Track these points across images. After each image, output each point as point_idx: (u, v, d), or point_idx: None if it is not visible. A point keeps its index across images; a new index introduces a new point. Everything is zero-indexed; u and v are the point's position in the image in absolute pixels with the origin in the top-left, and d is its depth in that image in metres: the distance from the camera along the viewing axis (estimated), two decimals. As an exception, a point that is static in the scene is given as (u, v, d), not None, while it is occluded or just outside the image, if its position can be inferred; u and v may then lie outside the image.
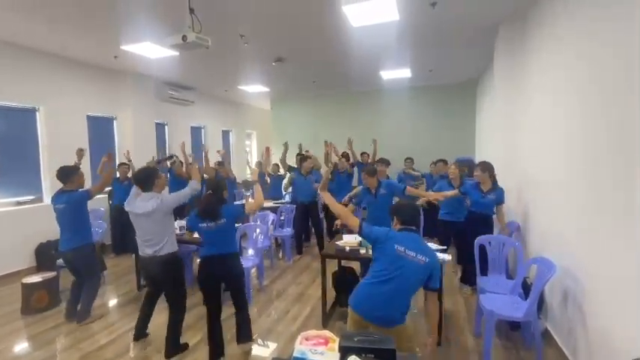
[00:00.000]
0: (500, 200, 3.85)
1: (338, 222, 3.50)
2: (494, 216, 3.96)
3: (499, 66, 4.57)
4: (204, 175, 5.96)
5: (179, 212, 4.89)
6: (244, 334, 2.96)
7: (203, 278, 2.78)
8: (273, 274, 4.87)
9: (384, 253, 2.11)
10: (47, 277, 3.87)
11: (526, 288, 3.09)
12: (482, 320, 2.92)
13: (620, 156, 2.03)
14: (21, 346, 3.16)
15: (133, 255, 4.27)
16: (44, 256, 5.02)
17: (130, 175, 5.58)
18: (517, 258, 3.45)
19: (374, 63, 6.28)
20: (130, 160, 5.70)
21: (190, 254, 4.53)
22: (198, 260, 2.85)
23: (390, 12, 3.74)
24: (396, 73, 6.98)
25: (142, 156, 5.81)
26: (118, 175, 5.82)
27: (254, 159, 11.14)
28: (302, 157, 5.78)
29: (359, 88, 8.78)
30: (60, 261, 3.97)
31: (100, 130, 6.27)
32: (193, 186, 2.96)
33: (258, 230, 4.49)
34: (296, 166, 6.23)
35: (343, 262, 3.82)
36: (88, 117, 6.01)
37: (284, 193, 7.31)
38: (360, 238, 3.21)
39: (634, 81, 1.87)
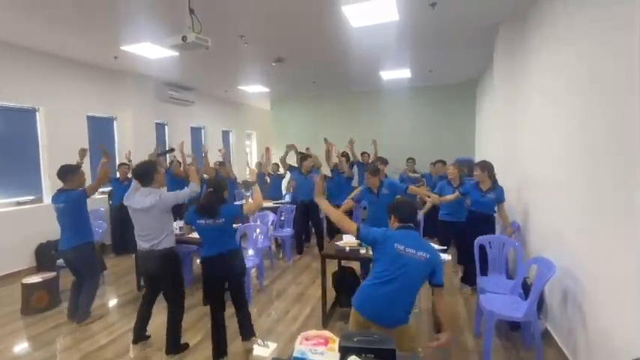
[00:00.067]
0: (500, 199, 3.85)
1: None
2: (495, 215, 3.96)
3: (499, 66, 4.57)
4: (204, 175, 5.97)
5: (178, 212, 4.91)
6: (248, 331, 2.97)
7: (206, 278, 2.80)
8: (273, 274, 4.87)
9: (384, 253, 2.11)
10: (47, 277, 3.87)
11: (526, 288, 3.09)
12: (482, 320, 2.92)
13: (620, 156, 2.03)
14: (21, 347, 3.16)
15: (133, 255, 4.27)
16: (44, 256, 5.03)
17: (130, 175, 5.58)
18: (517, 258, 3.45)
19: (374, 63, 6.28)
20: (130, 161, 5.70)
21: (190, 254, 4.53)
22: (199, 261, 2.85)
23: (390, 12, 3.74)
24: (396, 74, 6.98)
25: (142, 156, 5.77)
26: (118, 175, 5.83)
27: (254, 159, 11.14)
28: (302, 157, 5.78)
29: (359, 88, 8.78)
30: (60, 261, 3.97)
31: (100, 130, 6.27)
32: (193, 188, 2.95)
33: (258, 230, 4.49)
34: (296, 165, 6.23)
35: (343, 262, 3.82)
36: (88, 117, 6.01)
37: (284, 193, 7.32)
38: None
39: (634, 81, 1.87)
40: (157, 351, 2.99)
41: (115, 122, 6.57)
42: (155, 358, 2.93)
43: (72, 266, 3.56)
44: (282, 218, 5.77)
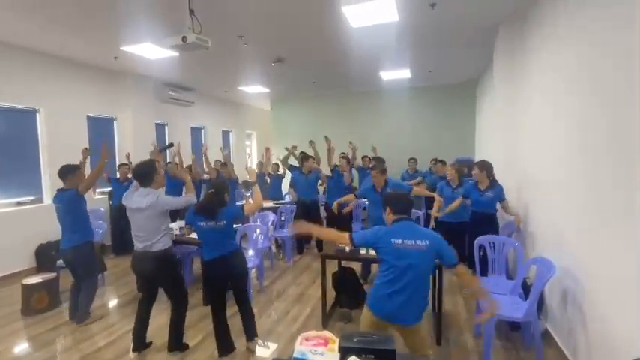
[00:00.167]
0: (499, 197, 3.86)
1: (345, 210, 3.50)
2: (497, 214, 3.96)
3: (499, 66, 4.57)
4: (205, 176, 5.97)
5: (179, 212, 4.90)
6: (251, 331, 2.97)
7: (207, 280, 2.80)
8: (273, 274, 4.87)
9: (385, 251, 2.10)
10: (47, 277, 3.87)
11: (526, 288, 3.09)
12: (483, 320, 2.92)
13: (620, 156, 2.03)
14: (21, 347, 3.16)
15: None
16: (44, 256, 5.03)
17: (130, 175, 5.58)
18: (517, 258, 3.45)
19: (374, 63, 6.28)
20: (130, 162, 5.70)
21: (190, 255, 4.53)
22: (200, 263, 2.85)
23: (390, 13, 3.74)
24: (396, 74, 6.98)
25: (142, 157, 5.77)
26: (118, 175, 5.83)
27: (254, 159, 11.14)
28: (304, 157, 5.78)
29: (359, 88, 8.78)
30: (60, 262, 3.97)
31: (100, 130, 6.27)
32: (189, 199, 2.97)
33: (258, 231, 4.49)
34: (297, 165, 6.22)
35: (343, 263, 3.82)
36: (88, 118, 6.01)
37: (284, 193, 7.31)
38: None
39: (634, 81, 1.87)
40: (157, 352, 2.99)
41: (115, 123, 6.57)
42: (155, 358, 2.92)
43: (71, 266, 3.56)
44: (282, 219, 5.77)
